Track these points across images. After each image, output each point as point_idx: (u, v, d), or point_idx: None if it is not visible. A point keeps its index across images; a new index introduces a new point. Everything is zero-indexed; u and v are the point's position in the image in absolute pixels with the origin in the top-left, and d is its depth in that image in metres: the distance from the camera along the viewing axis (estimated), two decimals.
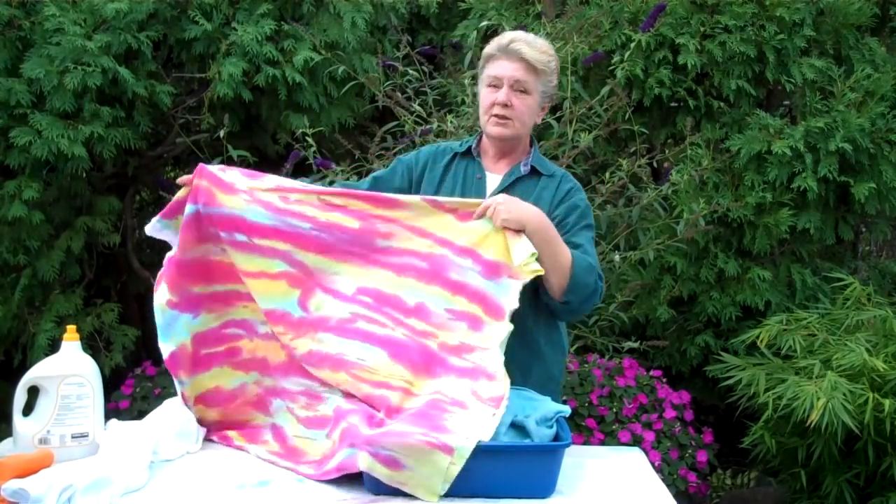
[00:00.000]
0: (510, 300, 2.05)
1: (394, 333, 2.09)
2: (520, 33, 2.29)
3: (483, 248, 2.09)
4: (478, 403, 1.97)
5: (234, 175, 2.15)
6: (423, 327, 2.08)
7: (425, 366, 2.05)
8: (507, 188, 2.26)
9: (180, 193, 2.13)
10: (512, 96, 2.22)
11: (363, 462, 1.82)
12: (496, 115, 2.23)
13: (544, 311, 2.21)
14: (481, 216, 2.11)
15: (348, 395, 2.06)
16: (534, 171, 2.29)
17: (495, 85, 2.23)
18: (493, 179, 2.29)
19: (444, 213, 2.12)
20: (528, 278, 2.05)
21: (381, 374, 2.05)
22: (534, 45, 2.23)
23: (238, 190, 2.11)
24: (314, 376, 2.10)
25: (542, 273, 2.05)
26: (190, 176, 2.13)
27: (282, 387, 2.15)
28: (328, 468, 1.91)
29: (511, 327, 2.05)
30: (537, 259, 2.05)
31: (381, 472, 1.81)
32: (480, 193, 2.26)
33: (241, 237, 2.08)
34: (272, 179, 2.17)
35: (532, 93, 2.23)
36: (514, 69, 2.21)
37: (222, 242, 2.10)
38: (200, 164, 2.14)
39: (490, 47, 2.27)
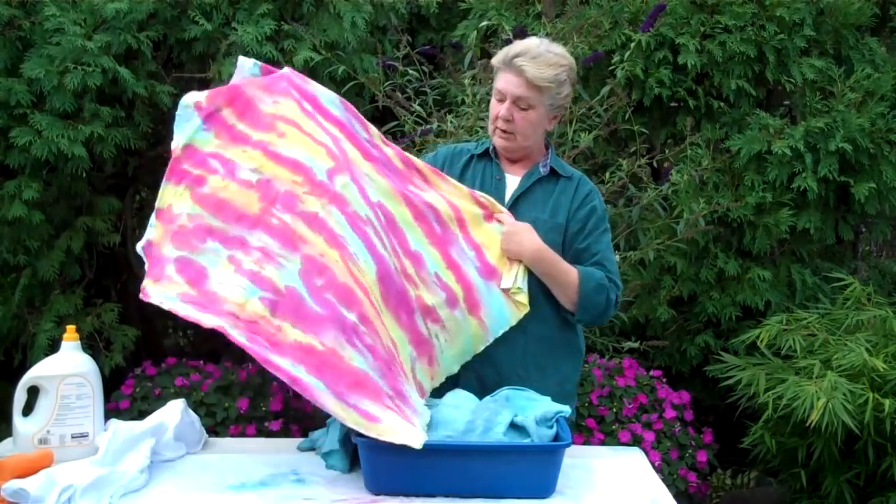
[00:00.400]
0: (494, 318, 2.17)
1: (389, 259, 2.10)
2: (531, 45, 2.21)
3: (489, 251, 2.19)
4: (413, 386, 2.06)
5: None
6: (412, 272, 2.14)
7: (395, 304, 2.09)
8: (527, 189, 2.27)
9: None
10: (514, 111, 2.21)
11: (339, 411, 1.83)
12: (500, 128, 2.25)
13: (562, 313, 2.24)
14: (499, 221, 2.21)
15: (309, 269, 1.96)
16: (552, 173, 2.30)
17: (500, 99, 2.23)
18: (513, 181, 2.30)
19: (475, 206, 2.22)
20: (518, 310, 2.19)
21: (365, 280, 2.02)
22: (539, 60, 2.17)
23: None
24: (278, 236, 1.99)
25: (525, 307, 2.17)
26: None
27: (236, 235, 2.00)
28: (274, 362, 1.84)
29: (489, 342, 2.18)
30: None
31: (358, 422, 1.82)
32: (500, 194, 2.28)
33: (308, 106, 2.14)
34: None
35: (536, 107, 2.21)
36: (515, 85, 2.19)
37: (289, 96, 2.13)
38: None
39: (496, 58, 2.25)
